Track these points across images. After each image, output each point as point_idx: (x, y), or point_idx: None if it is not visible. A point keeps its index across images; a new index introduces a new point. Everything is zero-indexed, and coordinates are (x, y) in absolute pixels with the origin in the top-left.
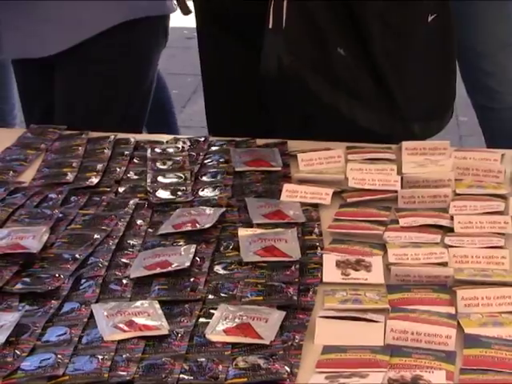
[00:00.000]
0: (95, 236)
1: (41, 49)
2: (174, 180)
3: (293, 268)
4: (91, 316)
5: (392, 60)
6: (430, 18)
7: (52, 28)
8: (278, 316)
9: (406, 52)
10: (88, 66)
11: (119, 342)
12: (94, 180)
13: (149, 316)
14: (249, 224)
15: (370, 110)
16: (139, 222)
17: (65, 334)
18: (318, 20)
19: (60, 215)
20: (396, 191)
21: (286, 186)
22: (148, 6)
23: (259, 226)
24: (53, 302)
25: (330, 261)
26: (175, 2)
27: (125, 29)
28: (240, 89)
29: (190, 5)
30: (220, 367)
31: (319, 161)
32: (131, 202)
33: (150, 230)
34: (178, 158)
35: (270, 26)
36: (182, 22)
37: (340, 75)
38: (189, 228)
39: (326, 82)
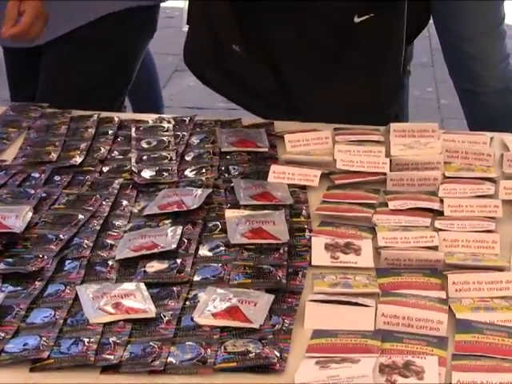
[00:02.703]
0: (79, 216)
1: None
2: (159, 160)
3: (281, 251)
4: (76, 298)
5: (291, 59)
6: (357, 19)
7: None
8: (266, 299)
9: (308, 52)
10: (74, 51)
11: (105, 324)
12: (78, 159)
13: (135, 298)
14: (236, 205)
15: (268, 106)
16: (124, 202)
17: (49, 316)
18: (214, 17)
19: (43, 195)
20: (385, 173)
21: (274, 167)
22: None
23: (246, 207)
24: (37, 283)
25: (318, 244)
26: None
27: (112, 19)
28: None
29: None
30: (208, 351)
31: (306, 142)
32: (116, 182)
33: (134, 210)
34: (162, 138)
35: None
36: None
37: (236, 71)
38: (175, 209)
39: (223, 77)
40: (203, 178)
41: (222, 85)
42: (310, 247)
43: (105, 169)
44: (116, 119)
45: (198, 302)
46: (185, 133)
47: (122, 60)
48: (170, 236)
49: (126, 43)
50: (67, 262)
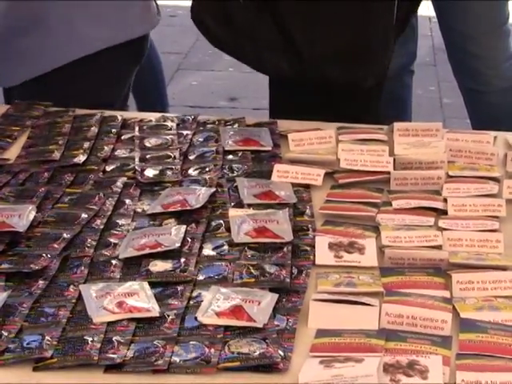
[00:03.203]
0: (83, 215)
1: (4, 80)
2: (163, 159)
3: (285, 250)
4: (79, 297)
5: (291, 7)
6: None
7: (16, 62)
8: (270, 299)
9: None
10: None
11: (109, 323)
12: (81, 158)
13: (139, 297)
14: (239, 204)
15: (274, 56)
16: (127, 201)
17: (53, 315)
18: None
19: (46, 194)
20: (388, 173)
21: (277, 167)
22: (108, 37)
23: (250, 206)
24: (40, 282)
25: (322, 243)
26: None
27: (87, 59)
28: None
29: None
30: (212, 350)
31: (310, 141)
32: (119, 180)
33: (138, 209)
34: (166, 137)
35: None
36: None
37: (240, 23)
38: (179, 208)
39: (229, 32)
40: (207, 177)
41: (228, 39)
42: (314, 246)
43: (108, 168)
44: (119, 118)
45: (202, 301)
46: (188, 132)
47: (108, 87)
48: (173, 235)
49: (103, 81)
50: (70, 260)
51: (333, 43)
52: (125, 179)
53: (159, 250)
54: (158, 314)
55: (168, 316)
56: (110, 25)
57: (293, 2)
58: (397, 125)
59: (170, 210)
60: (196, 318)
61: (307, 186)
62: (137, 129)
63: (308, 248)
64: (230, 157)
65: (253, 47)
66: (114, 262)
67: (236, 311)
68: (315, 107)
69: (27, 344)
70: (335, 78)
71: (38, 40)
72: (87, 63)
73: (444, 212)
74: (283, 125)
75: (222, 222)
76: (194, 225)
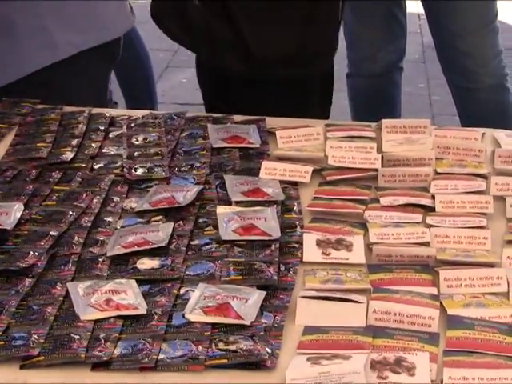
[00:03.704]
0: (70, 213)
1: None
2: (150, 156)
3: (272, 247)
4: (67, 295)
5: (243, 7)
6: None
7: None
8: (258, 296)
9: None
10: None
11: (96, 321)
12: (69, 155)
13: (126, 295)
14: (227, 202)
15: (228, 55)
16: (115, 198)
17: (40, 312)
18: None
19: (34, 191)
20: (376, 170)
21: (265, 164)
22: (81, 42)
23: (238, 203)
24: (27, 279)
25: (310, 240)
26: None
27: (60, 62)
28: None
29: None
30: (200, 348)
31: (298, 138)
32: (107, 178)
33: (126, 207)
34: (154, 134)
35: None
36: None
37: (196, 23)
38: (166, 205)
39: (186, 29)
40: (195, 175)
41: (186, 37)
42: (302, 243)
43: (96, 165)
44: (107, 115)
45: (189, 298)
46: (176, 129)
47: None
48: (161, 232)
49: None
50: (58, 258)
51: (280, 43)
52: (113, 177)
53: (147, 247)
54: (145, 312)
55: (155, 313)
56: (82, 29)
57: (243, 3)
58: (385, 122)
59: (157, 207)
60: (183, 316)
61: (295, 184)
62: (125, 126)
63: (296, 245)
64: (218, 154)
65: (209, 46)
66: (101, 259)
67: (223, 308)
68: (266, 105)
69: (14, 342)
70: (284, 76)
71: (8, 47)
72: (61, 67)
73: (432, 209)
74: (271, 122)
75: (209, 219)
76: (181, 222)
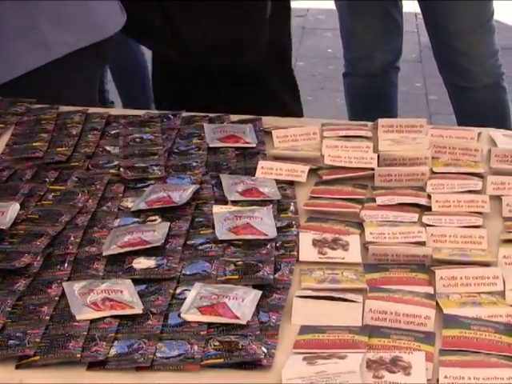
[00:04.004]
0: (66, 212)
1: None
2: (147, 156)
3: (268, 246)
4: (63, 294)
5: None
6: None
7: None
8: (254, 295)
9: None
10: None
11: (92, 321)
12: (65, 155)
13: (122, 295)
14: (224, 201)
15: (165, 45)
16: (111, 198)
17: (35, 312)
18: None
19: (30, 191)
20: (372, 169)
21: (262, 163)
22: (73, 42)
23: (234, 203)
24: (23, 279)
25: (306, 239)
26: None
27: (52, 62)
28: None
29: None
30: (196, 347)
31: (294, 137)
32: (103, 177)
33: (122, 206)
34: (150, 134)
35: None
36: None
37: (135, 13)
38: (162, 205)
39: (128, 19)
40: (191, 174)
41: (129, 28)
42: (298, 243)
43: (92, 165)
44: (103, 115)
45: (185, 298)
46: (172, 128)
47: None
48: (157, 232)
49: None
50: (54, 258)
51: (212, 35)
52: (109, 176)
53: (143, 247)
54: (141, 311)
55: (151, 313)
56: (74, 29)
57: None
58: (381, 121)
59: (154, 206)
60: (179, 315)
61: (291, 183)
62: (121, 126)
63: (292, 245)
64: (215, 153)
65: (147, 36)
66: (97, 259)
67: (219, 308)
68: (201, 93)
69: (10, 341)
70: (216, 66)
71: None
72: (53, 66)
73: (428, 208)
74: (268, 121)
75: (205, 218)
76: (177, 221)
